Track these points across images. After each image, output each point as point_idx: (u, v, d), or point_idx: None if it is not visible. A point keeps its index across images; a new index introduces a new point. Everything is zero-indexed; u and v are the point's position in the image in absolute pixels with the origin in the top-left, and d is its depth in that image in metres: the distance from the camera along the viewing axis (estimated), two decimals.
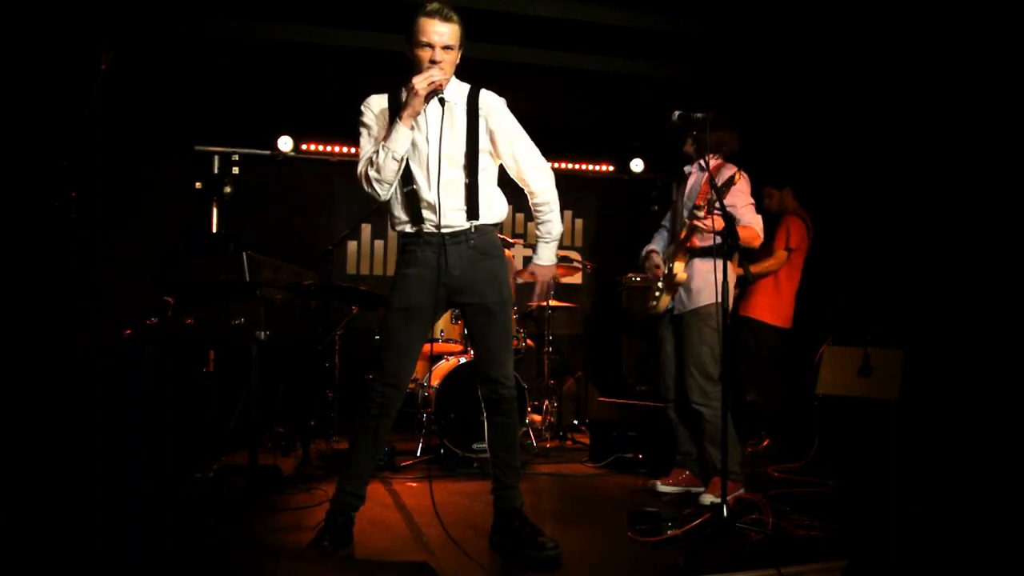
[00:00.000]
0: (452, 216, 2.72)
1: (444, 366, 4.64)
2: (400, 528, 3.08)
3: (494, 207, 2.81)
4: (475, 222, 2.75)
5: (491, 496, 2.83)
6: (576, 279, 6.93)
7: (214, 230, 6.13)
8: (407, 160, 2.69)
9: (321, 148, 6.30)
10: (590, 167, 7.04)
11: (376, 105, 2.76)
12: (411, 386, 4.99)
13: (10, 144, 4.35)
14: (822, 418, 4.45)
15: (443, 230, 2.72)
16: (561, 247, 6.93)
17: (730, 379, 3.51)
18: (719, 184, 3.26)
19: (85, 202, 3.46)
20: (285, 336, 3.67)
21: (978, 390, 3.83)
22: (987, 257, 4.08)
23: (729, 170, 3.57)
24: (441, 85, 2.61)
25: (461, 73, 2.76)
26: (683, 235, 3.56)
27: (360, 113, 2.78)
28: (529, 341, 5.26)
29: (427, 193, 2.70)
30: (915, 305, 4.43)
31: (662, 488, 3.68)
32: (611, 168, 7.04)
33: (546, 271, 2.95)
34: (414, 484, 3.88)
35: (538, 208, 2.89)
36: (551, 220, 2.90)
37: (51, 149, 3.75)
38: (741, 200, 3.52)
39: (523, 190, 2.90)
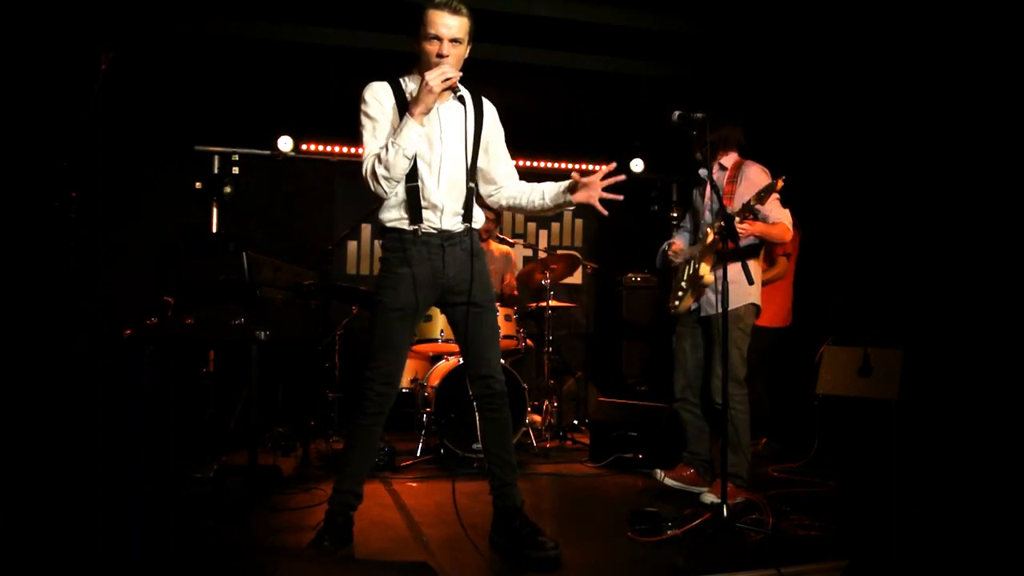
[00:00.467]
0: (452, 218, 2.72)
1: (444, 366, 4.64)
2: (400, 528, 3.08)
3: (480, 211, 2.84)
4: (469, 224, 2.76)
5: (490, 496, 2.83)
6: (576, 279, 6.93)
7: (214, 230, 6.13)
8: (415, 157, 2.65)
9: (321, 148, 6.30)
10: (590, 167, 7.03)
11: (382, 95, 2.67)
12: (411, 386, 5.00)
13: (10, 144, 4.35)
14: (822, 418, 4.45)
15: (442, 231, 2.71)
16: (561, 247, 6.97)
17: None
18: (757, 191, 3.25)
19: (85, 202, 3.46)
20: (285, 336, 3.67)
21: (978, 390, 3.83)
22: (987, 257, 4.08)
23: (750, 167, 3.57)
24: (455, 83, 2.58)
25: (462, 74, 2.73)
26: (710, 239, 3.51)
27: (363, 102, 2.67)
28: (529, 341, 5.26)
29: (433, 193, 2.68)
30: (915, 305, 4.43)
31: (665, 480, 3.66)
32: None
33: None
34: (414, 484, 3.88)
35: (522, 186, 2.88)
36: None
37: (51, 149, 3.75)
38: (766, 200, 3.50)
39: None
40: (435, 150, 2.67)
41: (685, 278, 3.68)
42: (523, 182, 2.91)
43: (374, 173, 2.60)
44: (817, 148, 5.28)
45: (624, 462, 4.30)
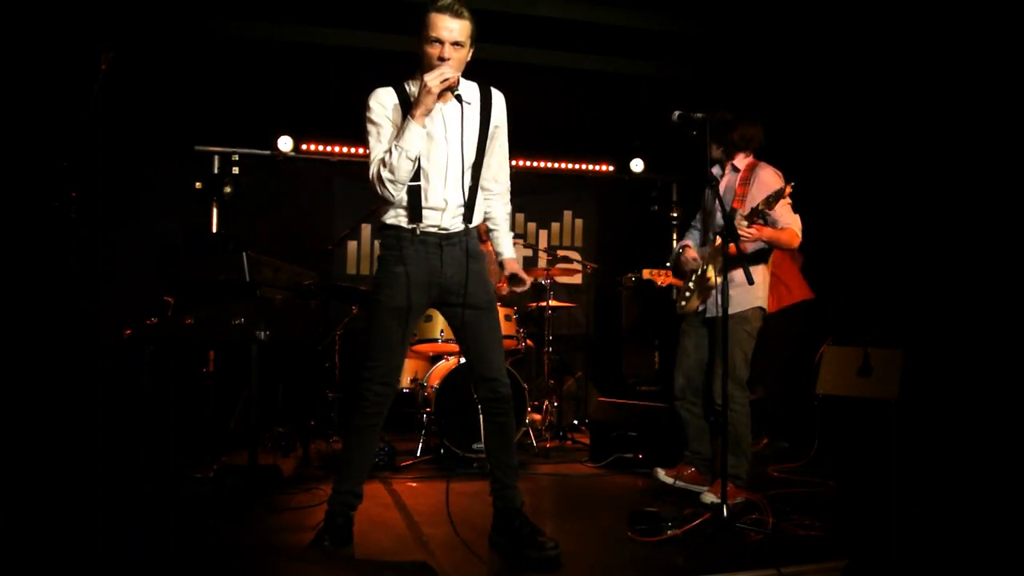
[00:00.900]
0: (452, 218, 2.72)
1: (444, 366, 4.64)
2: (400, 528, 3.08)
3: (480, 210, 2.83)
4: (469, 224, 2.75)
5: (490, 496, 2.83)
6: (576, 279, 6.93)
7: (214, 230, 6.13)
8: (418, 156, 2.64)
9: (321, 148, 6.30)
10: (590, 167, 7.04)
11: (386, 100, 2.67)
12: (411, 386, 5.00)
13: (10, 144, 4.35)
14: (822, 418, 4.45)
15: (442, 230, 2.71)
16: (561, 247, 6.97)
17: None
18: (767, 196, 3.23)
19: (85, 202, 3.46)
20: (285, 336, 3.67)
21: (978, 390, 3.83)
22: (987, 257, 4.08)
23: (764, 169, 3.56)
24: (454, 83, 2.57)
25: (464, 73, 2.71)
26: (719, 242, 3.46)
27: (368, 108, 2.68)
28: (529, 341, 5.26)
29: (437, 193, 2.67)
30: (915, 305, 4.43)
31: (664, 478, 3.66)
32: (611, 168, 7.04)
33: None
34: (414, 484, 3.88)
35: (508, 209, 2.96)
36: (508, 207, 2.98)
37: (51, 149, 3.74)
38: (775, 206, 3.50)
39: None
40: (438, 148, 2.67)
41: (693, 279, 3.68)
42: (500, 208, 2.94)
43: (380, 177, 2.61)
44: (817, 148, 5.28)
45: (624, 462, 4.30)
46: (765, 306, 3.63)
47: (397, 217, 2.71)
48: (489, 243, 3.02)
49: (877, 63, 4.81)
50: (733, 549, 2.72)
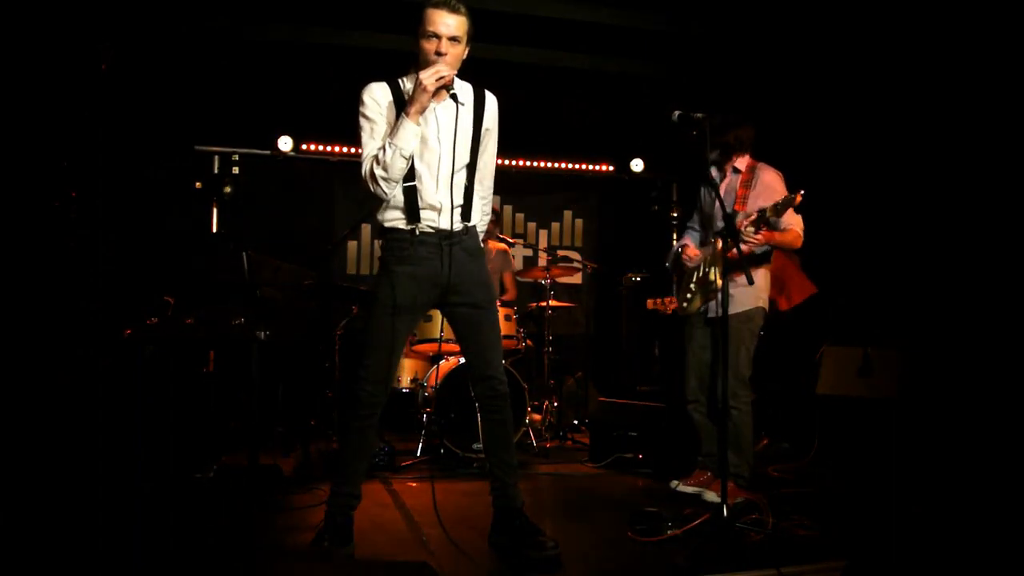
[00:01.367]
0: (451, 218, 2.71)
1: (444, 366, 4.64)
2: (400, 528, 3.08)
3: (479, 208, 2.83)
4: (467, 224, 2.75)
5: (490, 496, 2.83)
6: (576, 279, 6.93)
7: (214, 230, 6.13)
8: (412, 157, 2.63)
9: (321, 148, 6.30)
10: (590, 167, 7.04)
11: (380, 96, 2.65)
12: (411, 386, 5.00)
13: (10, 144, 4.34)
14: (822, 418, 4.45)
15: (441, 231, 2.71)
16: (561, 247, 6.97)
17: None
18: (774, 204, 3.21)
19: (85, 202, 3.46)
20: (285, 336, 3.67)
21: (978, 390, 3.83)
22: (987, 257, 4.08)
23: (765, 171, 3.56)
24: (450, 81, 2.56)
25: (461, 72, 2.71)
26: (720, 245, 3.45)
27: (361, 103, 2.66)
28: (529, 341, 5.26)
29: (432, 193, 2.67)
30: (915, 305, 4.43)
31: (683, 489, 3.64)
32: (611, 168, 7.05)
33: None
34: (414, 484, 3.88)
35: (485, 202, 2.92)
36: (489, 213, 2.99)
37: (51, 149, 3.74)
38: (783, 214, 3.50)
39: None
40: (433, 149, 2.66)
41: (695, 280, 3.68)
42: (487, 207, 2.94)
43: (372, 174, 2.60)
44: (817, 148, 5.28)
45: (624, 462, 4.30)
46: (767, 306, 3.63)
47: (396, 219, 2.70)
48: (490, 241, 3.02)
49: (876, 63, 4.81)
50: (733, 549, 2.72)
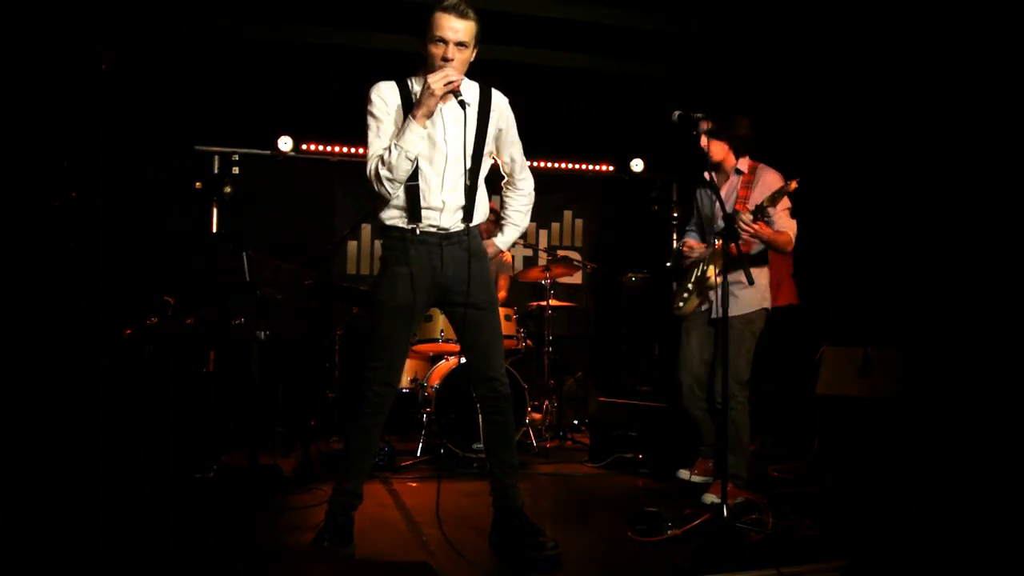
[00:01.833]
0: (452, 218, 2.72)
1: (444, 366, 4.64)
2: (400, 528, 3.08)
3: (482, 208, 2.83)
4: (469, 224, 2.75)
5: (491, 496, 2.83)
6: (576, 279, 6.93)
7: (214, 230, 6.13)
8: (416, 156, 2.64)
9: (321, 148, 6.30)
10: (590, 167, 7.04)
11: (388, 95, 2.66)
12: (411, 386, 5.00)
13: (10, 144, 4.34)
14: (822, 418, 4.44)
15: (442, 230, 2.71)
16: (561, 247, 6.97)
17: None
18: (771, 193, 3.24)
19: (85, 202, 3.46)
20: (285, 336, 3.67)
21: (978, 390, 3.83)
22: (987, 257, 4.08)
23: (767, 172, 3.56)
24: (457, 87, 2.57)
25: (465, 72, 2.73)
26: (719, 244, 3.46)
27: (369, 102, 2.67)
28: (529, 341, 5.26)
29: (436, 194, 2.67)
30: (915, 305, 4.43)
31: (692, 478, 3.69)
32: (611, 168, 7.05)
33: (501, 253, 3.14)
34: (414, 484, 3.88)
35: (523, 203, 2.99)
36: (528, 214, 3.03)
37: (51, 149, 3.74)
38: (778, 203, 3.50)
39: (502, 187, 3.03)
40: (437, 150, 2.67)
41: (692, 280, 3.68)
42: (524, 204, 2.99)
43: (377, 174, 2.61)
44: (817, 148, 5.28)
45: (624, 462, 4.30)
46: (770, 307, 3.64)
47: (397, 218, 2.70)
48: (491, 242, 3.03)
49: (876, 64, 4.81)
50: (733, 549, 2.72)
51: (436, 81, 2.50)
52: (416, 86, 2.67)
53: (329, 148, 6.32)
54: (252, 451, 3.44)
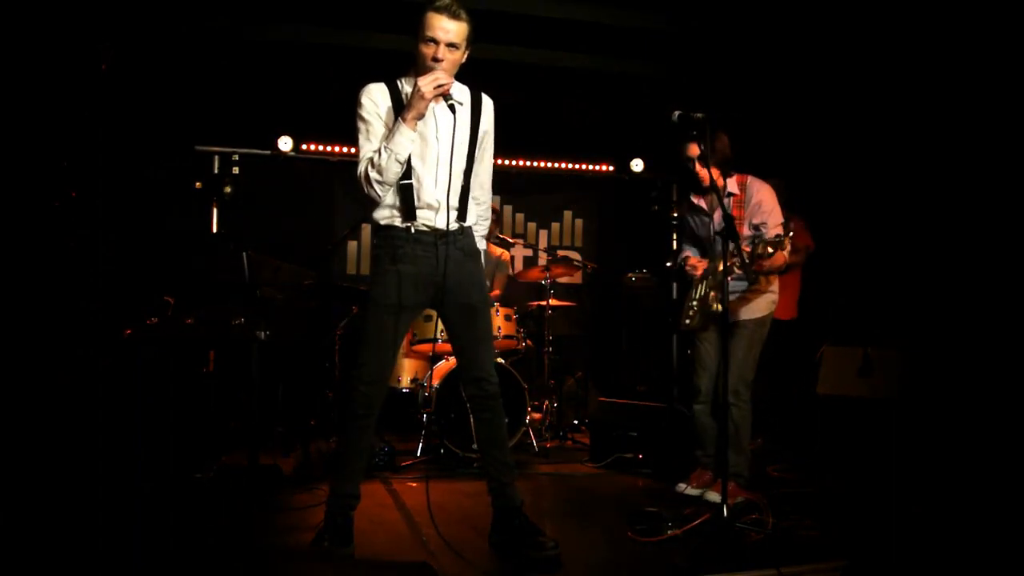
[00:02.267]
0: (447, 217, 2.71)
1: (444, 366, 4.64)
2: (400, 528, 3.08)
3: (475, 210, 2.83)
4: (463, 223, 2.75)
5: (489, 496, 2.83)
6: (576, 279, 6.93)
7: (214, 230, 6.13)
8: (409, 155, 2.63)
9: (321, 148, 6.31)
10: (590, 167, 7.04)
11: (378, 97, 2.66)
12: (411, 386, 5.00)
13: (10, 144, 4.34)
14: (822, 418, 4.44)
15: (436, 230, 2.71)
16: (561, 247, 6.97)
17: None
18: (769, 240, 3.20)
19: (85, 202, 3.46)
20: (285, 336, 3.67)
21: (978, 390, 3.83)
22: (987, 257, 4.08)
23: (756, 188, 3.55)
24: (448, 90, 2.56)
25: (460, 72, 2.70)
26: (720, 267, 3.34)
27: (359, 105, 2.66)
28: (529, 341, 5.26)
29: (430, 192, 2.67)
30: (915, 305, 4.43)
31: (690, 492, 3.63)
32: (611, 168, 7.05)
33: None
34: (414, 484, 3.88)
35: (485, 207, 2.94)
36: (486, 226, 2.99)
37: (51, 149, 3.74)
38: (773, 220, 3.50)
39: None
40: (430, 149, 2.67)
41: (696, 298, 3.67)
42: (486, 212, 2.94)
43: (367, 177, 2.60)
44: (818, 148, 5.28)
45: (624, 462, 4.30)
46: (774, 311, 3.66)
47: (391, 217, 2.70)
48: (489, 243, 3.03)
49: (876, 63, 4.81)
50: (733, 549, 2.72)
51: (426, 85, 2.50)
52: (406, 87, 2.66)
53: (329, 148, 6.32)
54: (252, 451, 3.44)
